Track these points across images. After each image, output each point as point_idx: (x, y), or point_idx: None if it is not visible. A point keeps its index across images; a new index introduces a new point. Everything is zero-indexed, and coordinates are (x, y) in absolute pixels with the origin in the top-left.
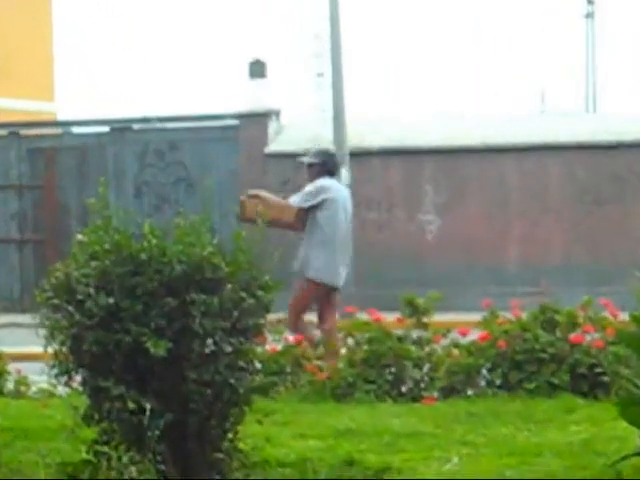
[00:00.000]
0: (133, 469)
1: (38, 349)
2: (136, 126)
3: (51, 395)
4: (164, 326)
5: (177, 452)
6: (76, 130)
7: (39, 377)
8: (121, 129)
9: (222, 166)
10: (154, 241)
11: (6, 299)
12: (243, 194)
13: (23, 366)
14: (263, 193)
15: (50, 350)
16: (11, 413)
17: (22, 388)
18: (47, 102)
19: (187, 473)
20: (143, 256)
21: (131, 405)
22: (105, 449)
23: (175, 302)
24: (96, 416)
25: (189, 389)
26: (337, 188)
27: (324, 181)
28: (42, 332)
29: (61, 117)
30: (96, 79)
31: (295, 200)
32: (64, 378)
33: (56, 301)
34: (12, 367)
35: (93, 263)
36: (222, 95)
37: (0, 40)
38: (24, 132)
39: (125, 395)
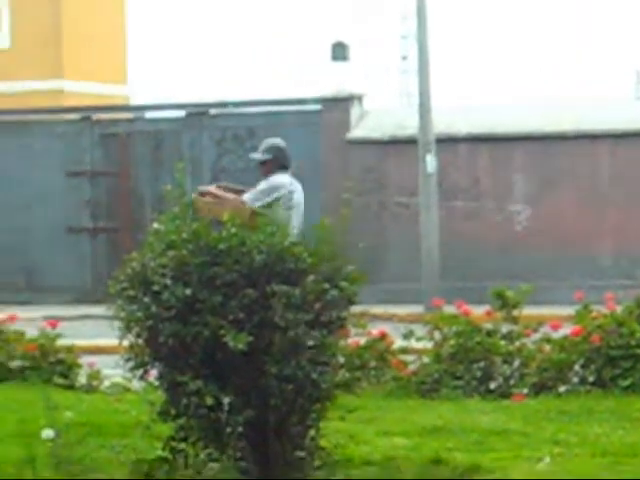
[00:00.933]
0: (212, 466)
1: (112, 342)
2: (213, 111)
3: (125, 390)
4: (244, 318)
5: (257, 449)
6: (150, 115)
7: (113, 371)
8: (198, 114)
9: (302, 153)
10: (233, 230)
11: (78, 290)
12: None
13: (96, 359)
14: (215, 190)
15: (125, 343)
16: (84, 408)
17: (95, 382)
18: (120, 86)
19: (267, 471)
20: (222, 246)
21: (209, 401)
22: (182, 446)
23: (255, 294)
24: (173, 412)
25: (269, 384)
26: (291, 182)
27: (278, 177)
28: (116, 324)
29: (134, 101)
30: (171, 62)
31: (248, 198)
32: (139, 372)
33: (131, 292)
34: (84, 360)
35: (170, 253)
36: (303, 79)
37: (74, 24)
38: (97, 117)
39: (203, 390)
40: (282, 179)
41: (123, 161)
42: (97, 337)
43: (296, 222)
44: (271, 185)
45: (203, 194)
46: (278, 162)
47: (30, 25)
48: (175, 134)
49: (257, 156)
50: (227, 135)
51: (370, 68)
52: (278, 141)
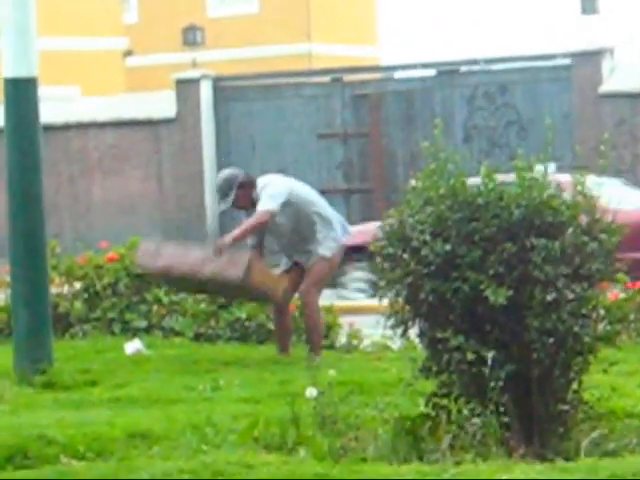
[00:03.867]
0: (475, 422)
1: (368, 301)
2: (463, 68)
3: (385, 348)
4: (503, 273)
5: (519, 404)
6: (400, 75)
7: (372, 330)
8: (448, 72)
9: (554, 108)
10: (491, 185)
11: None
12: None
13: (355, 319)
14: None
15: (385, 301)
16: (345, 367)
17: (355, 341)
18: (370, 47)
19: (530, 425)
20: (480, 201)
21: (470, 356)
22: (444, 402)
23: (514, 248)
24: (434, 368)
25: (531, 338)
26: (277, 178)
27: (269, 185)
28: (376, 283)
29: (384, 62)
30: (419, 21)
31: (263, 207)
32: (400, 330)
33: (390, 250)
34: (344, 320)
35: (428, 209)
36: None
37: None
38: (347, 78)
39: (464, 346)
40: (270, 179)
41: (375, 122)
42: (358, 298)
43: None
44: (274, 190)
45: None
46: (245, 189)
47: None
48: (426, 93)
49: (225, 206)
50: (478, 92)
51: (620, 20)
52: (225, 176)
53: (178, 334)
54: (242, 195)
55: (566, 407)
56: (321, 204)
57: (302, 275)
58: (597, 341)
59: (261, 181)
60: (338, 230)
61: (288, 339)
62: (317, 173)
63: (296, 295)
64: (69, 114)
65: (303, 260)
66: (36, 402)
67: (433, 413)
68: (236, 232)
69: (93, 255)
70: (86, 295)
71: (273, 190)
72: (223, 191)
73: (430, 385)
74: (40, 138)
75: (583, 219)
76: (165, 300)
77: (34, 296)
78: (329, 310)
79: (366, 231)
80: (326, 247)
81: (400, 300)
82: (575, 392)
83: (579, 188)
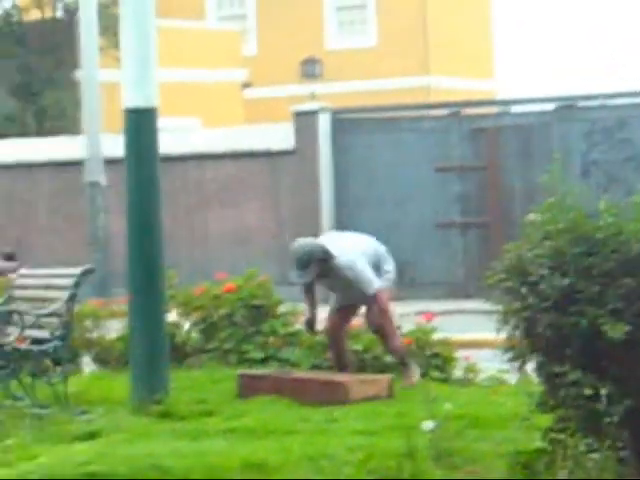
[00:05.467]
0: (591, 457)
1: (486, 335)
2: (581, 103)
3: (501, 382)
4: (622, 308)
5: (636, 439)
6: (517, 109)
7: (488, 364)
8: (566, 107)
9: None
10: (610, 219)
11: (450, 285)
12: None
13: (471, 353)
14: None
15: (502, 335)
16: (461, 400)
17: (471, 375)
18: (487, 80)
19: None
20: (599, 235)
21: (588, 391)
22: (561, 437)
23: (633, 283)
24: (551, 402)
25: None
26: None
27: (340, 256)
28: (494, 317)
29: (501, 95)
30: (537, 55)
31: (369, 282)
32: (517, 364)
33: (509, 283)
34: (459, 354)
35: (547, 243)
36: None
37: (439, 20)
38: (465, 112)
39: (582, 380)
40: (341, 254)
41: (492, 155)
42: (470, 331)
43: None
44: (352, 264)
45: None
46: (318, 260)
47: (396, 22)
48: (544, 127)
49: (303, 280)
50: (596, 127)
51: None
52: (306, 250)
53: (294, 365)
54: (321, 268)
55: None
56: (371, 252)
57: (354, 311)
58: None
59: (336, 249)
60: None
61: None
62: (434, 206)
63: None
64: (188, 145)
65: (357, 298)
66: (152, 432)
67: (549, 448)
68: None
69: (210, 286)
70: (203, 326)
71: (362, 267)
72: (302, 263)
73: (547, 420)
74: (159, 168)
75: None
76: (281, 331)
77: (152, 326)
78: (445, 343)
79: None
80: (375, 284)
81: (518, 334)
82: None
83: None
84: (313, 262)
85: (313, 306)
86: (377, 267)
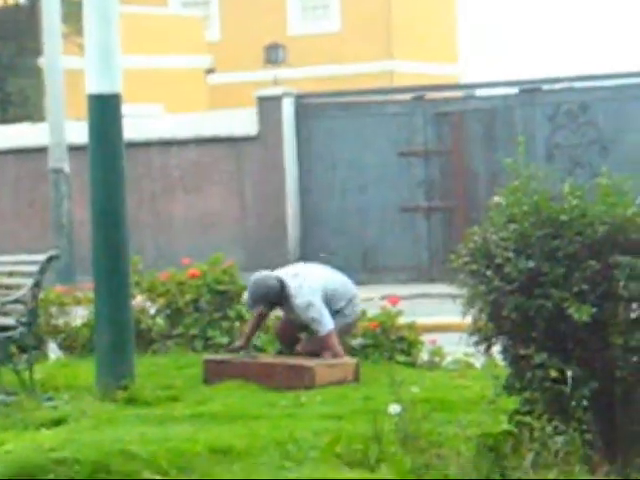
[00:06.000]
0: (558, 439)
1: (450, 319)
2: (546, 87)
3: (467, 365)
4: (587, 290)
5: (602, 421)
6: (481, 93)
7: (454, 347)
8: (530, 90)
9: (637, 126)
10: (574, 202)
11: (414, 269)
12: None
13: (436, 337)
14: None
15: (468, 318)
16: (427, 384)
17: (437, 359)
18: (451, 65)
19: (613, 443)
20: (563, 217)
21: (553, 373)
22: (527, 419)
23: (598, 265)
24: (517, 385)
25: (614, 356)
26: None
27: (299, 293)
28: (458, 301)
29: (465, 80)
30: (500, 39)
31: (323, 325)
32: (483, 347)
33: (474, 266)
34: (425, 338)
35: (511, 226)
36: (637, 50)
37: (403, 4)
38: (429, 96)
39: (547, 363)
40: (297, 294)
41: (456, 139)
42: (435, 314)
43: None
44: (308, 306)
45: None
46: (271, 299)
47: (360, 7)
48: (508, 111)
49: (254, 311)
50: (560, 110)
51: None
52: (261, 287)
53: (260, 350)
54: (275, 303)
55: None
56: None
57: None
58: None
59: (294, 288)
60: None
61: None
62: (398, 191)
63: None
64: (151, 131)
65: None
66: (118, 418)
67: (516, 430)
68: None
69: (175, 272)
70: (168, 311)
71: (317, 310)
72: (255, 299)
73: (513, 403)
74: (123, 154)
75: None
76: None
77: (117, 312)
78: (410, 327)
79: None
80: (328, 326)
81: (483, 317)
82: None
83: None
84: (265, 300)
85: (253, 332)
86: (337, 302)
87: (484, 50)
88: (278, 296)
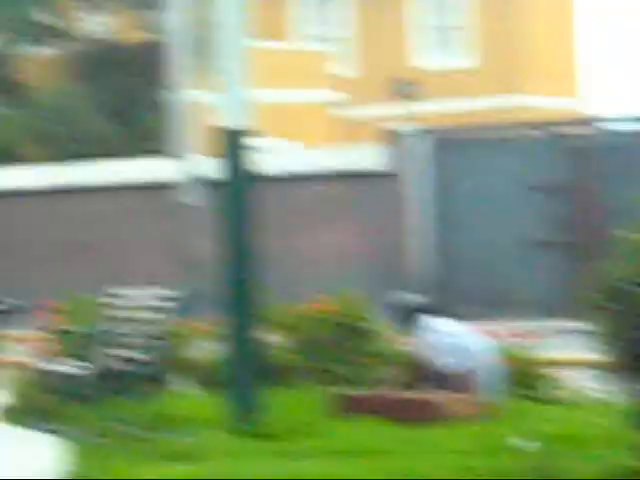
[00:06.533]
0: None
1: (584, 355)
2: None
3: (599, 401)
4: None
5: None
6: (612, 128)
7: (586, 383)
8: None
9: None
10: None
11: (547, 304)
12: None
13: (571, 372)
14: None
15: (601, 355)
16: (554, 420)
17: (566, 394)
18: (571, 98)
19: None
20: None
21: None
22: None
23: None
24: None
25: None
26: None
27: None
28: (592, 337)
29: (588, 113)
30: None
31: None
32: (616, 383)
33: (606, 303)
34: (553, 373)
35: None
36: None
37: (525, 37)
38: (559, 130)
39: None
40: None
41: (586, 174)
42: (564, 350)
43: None
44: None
45: None
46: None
47: (488, 43)
48: (637, 146)
49: None
50: None
51: None
52: None
53: (388, 385)
54: None
55: None
56: None
57: None
58: None
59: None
60: None
61: None
62: (529, 225)
63: None
64: (284, 165)
65: None
66: (250, 452)
67: None
68: None
69: (306, 306)
70: (299, 346)
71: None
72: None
73: None
74: (255, 189)
75: None
76: (374, 351)
77: (247, 346)
78: (546, 363)
79: None
80: None
81: (617, 353)
82: None
83: None
84: None
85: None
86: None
87: (604, 84)
88: None
